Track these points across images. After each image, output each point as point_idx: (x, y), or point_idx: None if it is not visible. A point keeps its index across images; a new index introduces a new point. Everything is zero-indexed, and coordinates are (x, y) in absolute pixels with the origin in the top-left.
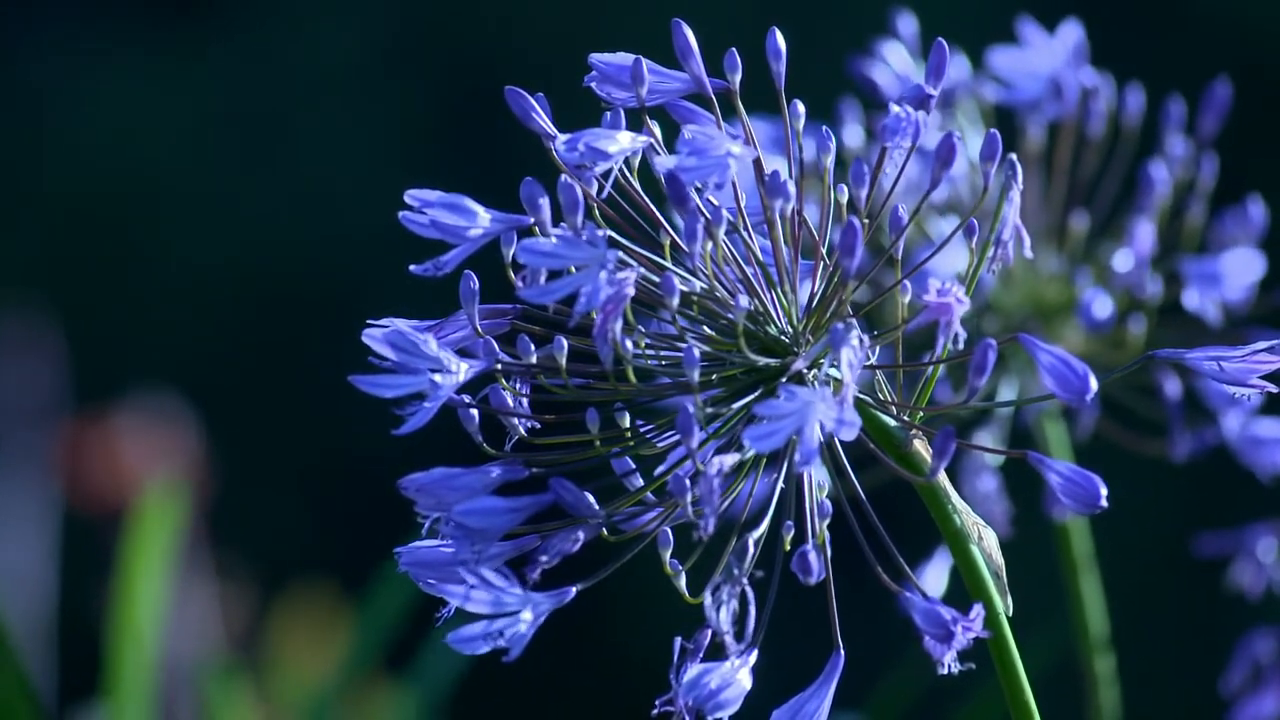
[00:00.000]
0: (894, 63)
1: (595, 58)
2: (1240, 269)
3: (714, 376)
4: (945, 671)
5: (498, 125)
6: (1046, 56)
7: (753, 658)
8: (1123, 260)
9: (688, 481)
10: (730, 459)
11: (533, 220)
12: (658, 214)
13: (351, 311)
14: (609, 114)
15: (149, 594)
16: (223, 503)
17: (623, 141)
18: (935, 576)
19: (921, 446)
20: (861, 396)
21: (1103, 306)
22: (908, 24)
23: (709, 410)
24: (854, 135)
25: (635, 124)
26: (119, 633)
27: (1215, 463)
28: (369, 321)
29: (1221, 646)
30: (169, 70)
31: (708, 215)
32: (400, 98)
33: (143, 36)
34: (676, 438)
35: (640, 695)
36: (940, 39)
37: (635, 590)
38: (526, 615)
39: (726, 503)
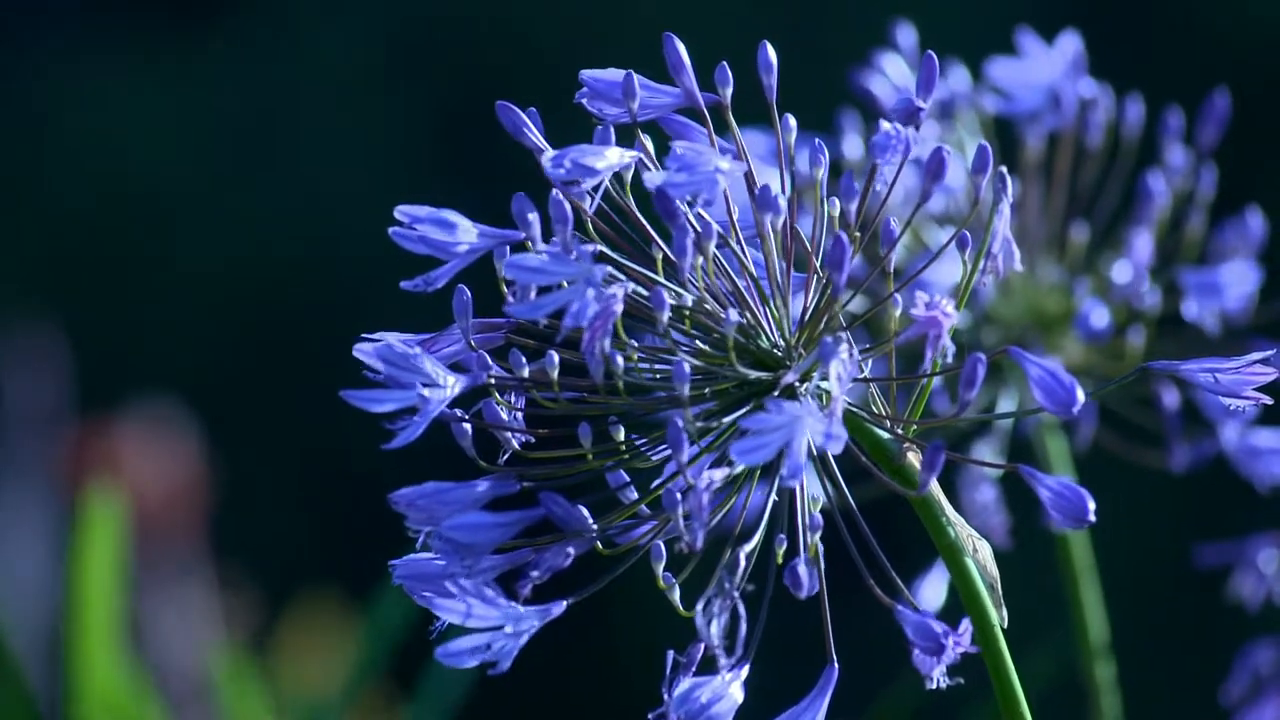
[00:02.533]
0: (892, 74)
1: (586, 74)
2: (1239, 280)
3: (705, 390)
4: (934, 686)
5: (498, 133)
6: (1045, 67)
7: (744, 671)
8: (1122, 271)
9: (679, 496)
10: (720, 474)
11: (524, 235)
12: (650, 228)
13: (354, 320)
14: (599, 129)
15: (103, 600)
16: (225, 512)
17: (611, 157)
18: (934, 590)
19: (915, 459)
20: (854, 410)
21: (1100, 317)
22: (907, 35)
23: (700, 424)
24: (853, 147)
25: (629, 139)
26: (77, 644)
27: (1216, 473)
28: (362, 336)
29: (1221, 657)
30: (170, 78)
31: (698, 230)
32: (402, 104)
33: (143, 44)
34: (669, 452)
35: (634, 708)
36: (930, 52)
37: (631, 604)
38: (514, 629)
39: (718, 517)
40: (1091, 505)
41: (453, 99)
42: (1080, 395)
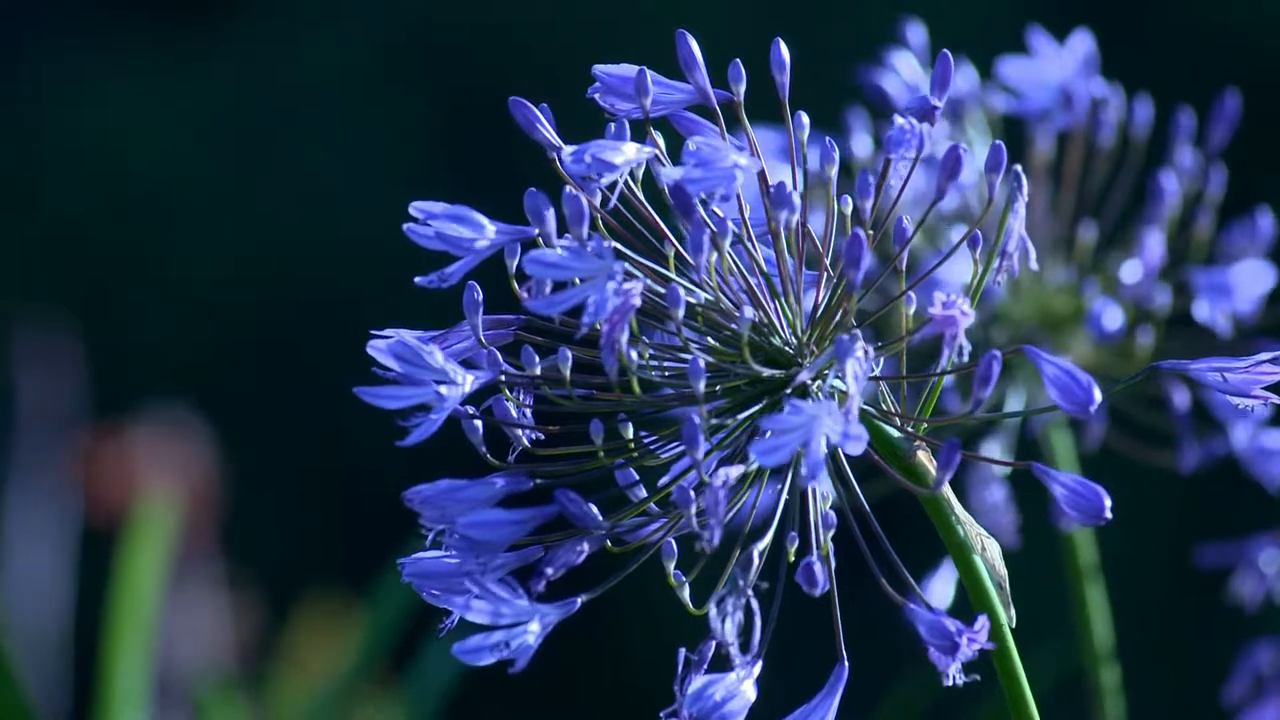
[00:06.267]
0: (903, 72)
1: (599, 69)
2: (1250, 280)
3: (718, 388)
4: (950, 683)
5: (500, 133)
6: (1057, 66)
7: (757, 669)
8: (1131, 271)
9: (692, 493)
10: (736, 470)
11: (538, 232)
12: (662, 225)
13: (358, 319)
14: (613, 125)
15: (145, 603)
16: (231, 512)
17: (628, 152)
18: (942, 588)
19: (925, 458)
20: (865, 408)
21: (1113, 318)
22: (917, 33)
23: (713, 421)
24: (862, 145)
25: (638, 135)
26: (115, 643)
27: (1220, 474)
28: (373, 332)
29: (1223, 657)
30: (174, 79)
31: (713, 226)
32: (403, 104)
33: (146, 46)
34: (681, 449)
35: (644, 708)
36: (945, 50)
37: (639, 601)
38: (534, 626)
39: (731, 514)
40: (1108, 502)
41: (453, 99)
42: (1098, 394)
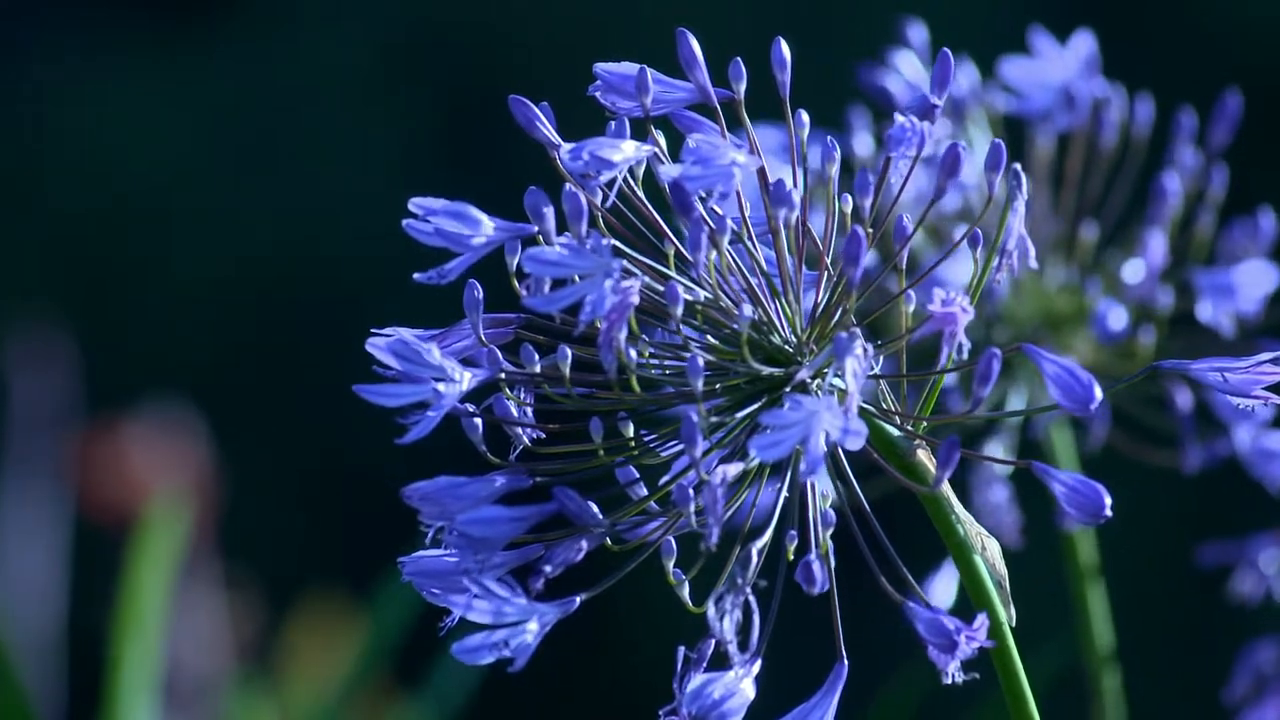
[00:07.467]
0: (905, 71)
1: (600, 67)
2: (1253, 281)
3: (717, 386)
4: (950, 681)
5: (500, 134)
6: (1058, 67)
7: (756, 667)
8: (1134, 271)
9: (691, 491)
10: (735, 468)
11: (537, 229)
12: (661, 223)
13: (357, 319)
14: (613, 123)
15: (152, 606)
16: (230, 512)
17: (627, 150)
18: (944, 587)
19: (925, 456)
20: (865, 406)
21: (1118, 318)
22: (918, 33)
23: (712, 420)
24: (864, 144)
25: (639, 133)
26: (122, 644)
27: (1221, 473)
28: (373, 330)
29: (1224, 656)
30: (173, 80)
31: (712, 224)
32: (402, 106)
33: (146, 46)
34: (680, 447)
35: (643, 707)
36: (945, 50)
37: (639, 600)
38: (532, 625)
39: (730, 512)
40: (1108, 500)
41: (453, 99)
42: (1098, 392)
